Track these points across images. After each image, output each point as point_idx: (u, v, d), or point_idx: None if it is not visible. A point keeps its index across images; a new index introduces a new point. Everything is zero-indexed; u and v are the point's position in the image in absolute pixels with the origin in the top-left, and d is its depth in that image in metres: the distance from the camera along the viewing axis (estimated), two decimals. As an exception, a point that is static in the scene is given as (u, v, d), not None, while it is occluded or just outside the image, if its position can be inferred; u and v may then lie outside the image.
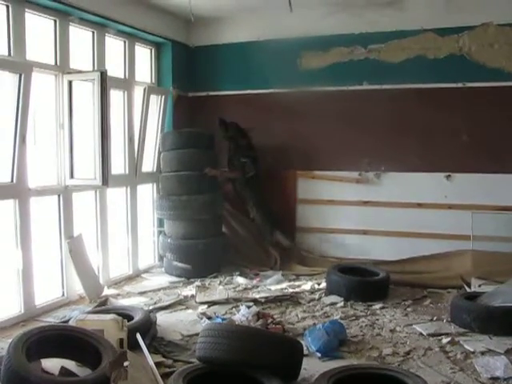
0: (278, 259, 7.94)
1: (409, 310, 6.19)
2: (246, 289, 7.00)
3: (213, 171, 7.75)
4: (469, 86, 7.39)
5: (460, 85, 7.43)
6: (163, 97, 8.13)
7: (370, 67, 7.81)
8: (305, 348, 4.72)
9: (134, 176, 7.74)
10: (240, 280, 7.36)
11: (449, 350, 4.99)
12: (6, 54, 5.64)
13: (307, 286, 7.12)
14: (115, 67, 7.36)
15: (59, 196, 6.44)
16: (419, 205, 7.67)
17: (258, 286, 7.09)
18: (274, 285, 7.14)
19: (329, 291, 6.74)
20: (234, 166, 8.02)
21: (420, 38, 7.54)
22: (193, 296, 6.66)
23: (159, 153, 8.03)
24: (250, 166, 7.90)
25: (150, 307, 6.15)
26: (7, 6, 5.61)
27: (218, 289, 6.92)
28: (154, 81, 8.35)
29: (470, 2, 7.24)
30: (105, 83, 6.38)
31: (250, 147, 8.02)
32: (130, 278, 7.60)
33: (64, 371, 4.05)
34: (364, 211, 7.97)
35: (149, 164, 8.11)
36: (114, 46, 7.44)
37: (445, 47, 7.45)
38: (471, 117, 7.39)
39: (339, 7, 7.71)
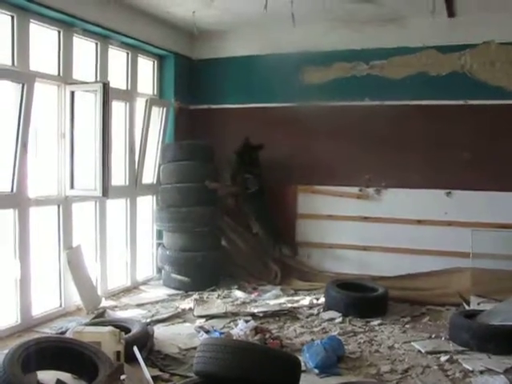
0: (279, 274, 7.91)
1: (407, 326, 6.16)
2: (244, 303, 6.98)
3: (213, 184, 7.74)
4: (470, 103, 7.41)
5: (461, 102, 7.45)
6: (165, 109, 8.14)
7: (371, 83, 7.84)
8: (303, 364, 4.68)
9: (134, 187, 7.73)
10: (238, 294, 7.34)
11: (447, 368, 4.96)
12: (10, 63, 5.66)
13: (306, 301, 7.10)
14: (118, 78, 7.37)
15: (59, 206, 6.43)
16: (419, 221, 7.66)
17: (256, 301, 7.07)
18: (272, 299, 7.12)
19: (327, 307, 6.71)
20: (236, 181, 8.00)
21: (422, 55, 7.58)
22: (191, 309, 6.63)
23: (159, 165, 8.03)
24: (252, 181, 7.91)
25: (148, 320, 6.12)
26: (12, 17, 5.64)
27: (216, 302, 6.89)
28: (156, 93, 8.37)
29: (471, 20, 7.26)
30: (107, 94, 6.40)
31: (257, 164, 8.02)
32: (127, 290, 7.57)
33: (60, 384, 4.03)
34: (364, 227, 7.95)
35: (149, 176, 8.10)
36: (117, 57, 7.46)
37: (447, 65, 7.48)
38: (472, 134, 7.40)
39: (342, 23, 7.75)
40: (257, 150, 8.01)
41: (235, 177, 8.04)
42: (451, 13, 7.13)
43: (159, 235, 8.19)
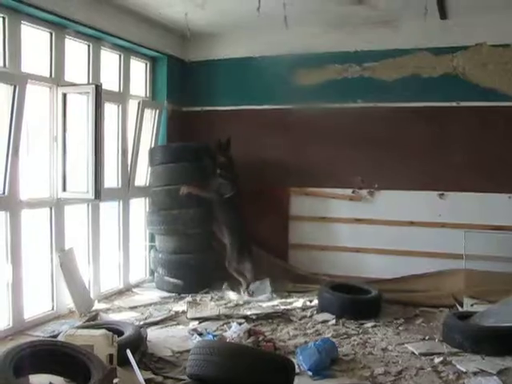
0: (245, 283, 7.56)
1: (401, 328, 6.16)
2: (237, 305, 6.96)
3: (186, 189, 7.41)
4: (463, 105, 7.43)
5: (454, 104, 7.46)
6: (157, 111, 8.11)
7: (364, 85, 7.84)
8: (296, 366, 4.67)
9: (127, 190, 7.70)
10: (231, 296, 7.32)
11: (441, 369, 4.96)
12: (1, 65, 5.62)
13: (299, 303, 7.08)
14: (110, 80, 7.34)
15: (51, 209, 6.39)
16: (412, 223, 7.66)
17: (249, 303, 7.05)
18: (265, 302, 7.10)
19: (321, 309, 6.70)
20: (210, 186, 7.67)
21: (414, 57, 7.59)
22: (184, 312, 6.61)
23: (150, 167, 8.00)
24: (226, 187, 7.58)
25: (141, 322, 6.09)
26: (3, 18, 5.61)
27: (210, 305, 6.86)
28: (148, 95, 8.35)
29: (463, 22, 7.29)
30: (99, 96, 6.37)
31: (230, 167, 7.69)
32: (120, 293, 7.53)
33: (52, 387, 4.00)
34: (357, 229, 7.95)
35: (142, 178, 8.08)
36: (110, 59, 7.43)
37: (439, 67, 7.50)
38: (465, 136, 7.42)
39: (334, 25, 7.75)
40: (226, 147, 7.72)
41: (210, 182, 7.70)
42: (443, 15, 7.14)
43: (152, 238, 8.16)
